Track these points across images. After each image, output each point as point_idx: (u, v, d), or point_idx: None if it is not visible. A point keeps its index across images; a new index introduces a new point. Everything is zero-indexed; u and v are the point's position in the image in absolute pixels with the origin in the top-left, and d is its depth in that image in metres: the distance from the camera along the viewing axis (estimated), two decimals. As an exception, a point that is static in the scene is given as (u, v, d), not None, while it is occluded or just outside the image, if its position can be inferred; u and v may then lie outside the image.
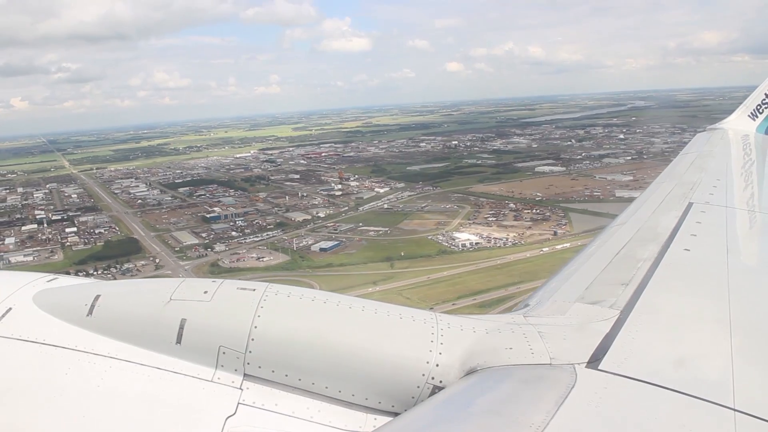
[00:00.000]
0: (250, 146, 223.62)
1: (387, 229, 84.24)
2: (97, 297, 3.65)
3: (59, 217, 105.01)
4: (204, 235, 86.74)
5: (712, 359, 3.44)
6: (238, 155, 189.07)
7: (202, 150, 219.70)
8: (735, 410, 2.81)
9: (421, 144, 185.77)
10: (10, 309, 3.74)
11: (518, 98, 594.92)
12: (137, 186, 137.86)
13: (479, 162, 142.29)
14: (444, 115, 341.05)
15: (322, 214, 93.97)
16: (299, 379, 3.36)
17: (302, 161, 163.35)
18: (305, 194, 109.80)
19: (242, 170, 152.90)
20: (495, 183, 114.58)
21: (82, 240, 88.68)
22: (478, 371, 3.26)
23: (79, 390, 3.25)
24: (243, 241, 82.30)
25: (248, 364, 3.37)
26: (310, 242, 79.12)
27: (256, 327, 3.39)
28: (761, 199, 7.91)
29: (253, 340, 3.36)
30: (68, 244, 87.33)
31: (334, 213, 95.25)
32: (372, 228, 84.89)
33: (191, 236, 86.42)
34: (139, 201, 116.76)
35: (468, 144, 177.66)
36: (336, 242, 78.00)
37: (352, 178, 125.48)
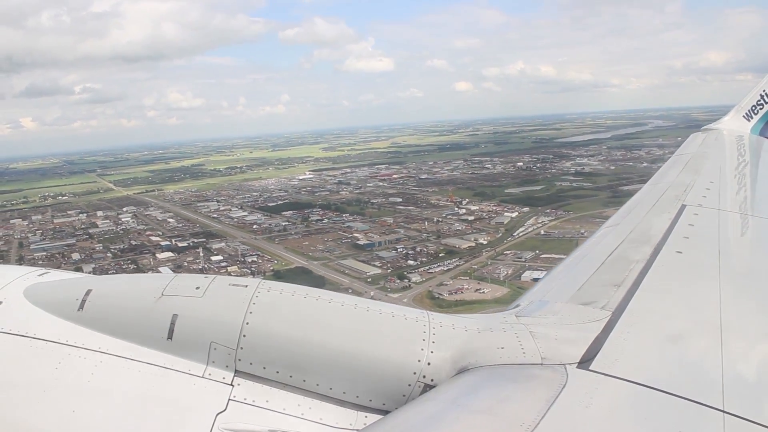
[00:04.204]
0: (295, 167, 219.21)
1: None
2: (89, 292, 3.62)
3: (185, 244, 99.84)
4: (377, 263, 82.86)
5: (703, 361, 3.45)
6: (300, 177, 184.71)
7: (246, 171, 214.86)
8: (725, 412, 2.83)
9: (486, 165, 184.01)
10: (1, 303, 3.69)
11: (527, 117, 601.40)
12: (229, 209, 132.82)
13: (574, 185, 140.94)
14: (467, 134, 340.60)
15: (483, 241, 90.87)
16: (290, 376, 3.35)
17: (379, 183, 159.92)
18: (439, 219, 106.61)
19: (326, 192, 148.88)
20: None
21: (242, 269, 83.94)
22: (470, 370, 3.26)
23: (69, 385, 3.25)
24: (429, 271, 78.61)
25: (239, 360, 3.36)
26: (509, 271, 75.92)
27: (247, 323, 3.37)
28: (754, 202, 7.84)
29: (244, 336, 3.35)
30: (231, 273, 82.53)
31: (493, 240, 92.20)
32: (554, 255, 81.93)
33: (363, 264, 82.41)
34: (255, 226, 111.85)
35: (539, 165, 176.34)
36: (544, 271, 74.85)
37: (463, 202, 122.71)
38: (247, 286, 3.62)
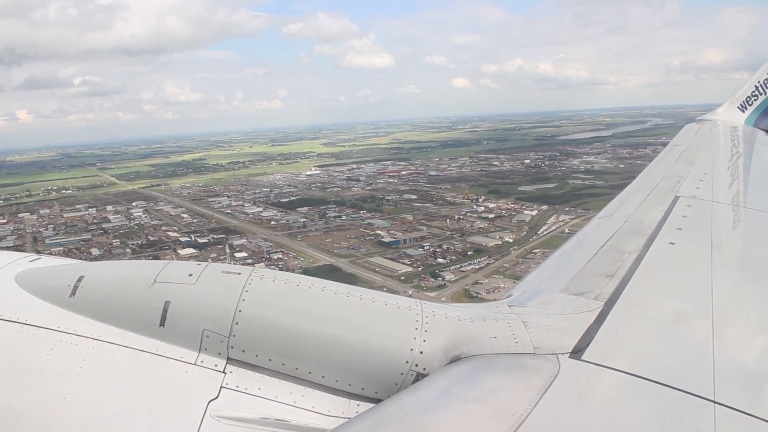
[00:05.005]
0: (299, 163, 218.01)
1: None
2: (81, 278, 3.62)
3: (206, 240, 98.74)
4: (406, 261, 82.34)
5: (694, 352, 3.49)
6: (307, 172, 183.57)
7: (249, 166, 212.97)
8: (715, 402, 2.87)
9: (494, 163, 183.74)
10: None
11: (524, 113, 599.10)
12: (241, 204, 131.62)
13: (587, 182, 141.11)
14: (467, 131, 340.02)
15: (509, 239, 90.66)
16: (283, 364, 3.36)
17: (389, 179, 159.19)
18: (460, 217, 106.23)
19: (338, 188, 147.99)
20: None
21: (269, 267, 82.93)
22: (462, 359, 3.29)
23: (60, 371, 3.24)
24: (461, 269, 78.22)
25: (232, 347, 3.36)
26: (542, 270, 75.64)
27: (240, 311, 3.37)
28: (747, 194, 7.86)
29: (237, 323, 3.35)
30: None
31: (518, 238, 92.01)
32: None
33: (392, 262, 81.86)
34: (272, 222, 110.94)
35: (547, 163, 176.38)
36: (580, 271, 74.70)
37: (480, 200, 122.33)
38: (240, 273, 3.59)
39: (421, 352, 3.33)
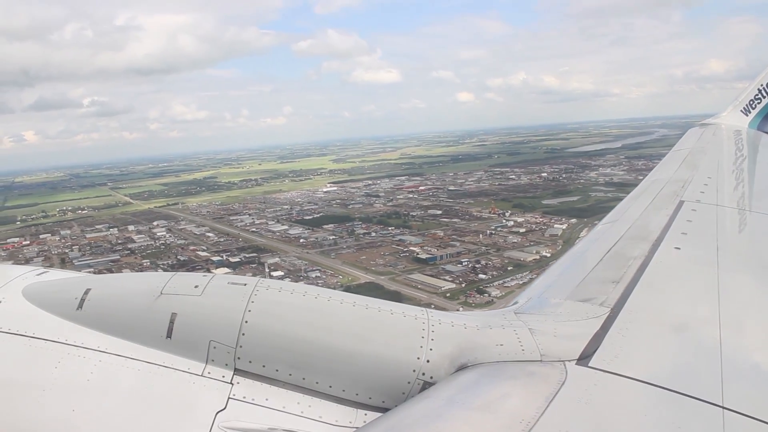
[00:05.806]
0: (312, 179, 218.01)
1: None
2: (88, 291, 3.63)
3: (238, 259, 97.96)
4: (447, 278, 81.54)
5: (702, 357, 3.47)
6: (324, 189, 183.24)
7: (262, 184, 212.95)
8: (723, 408, 2.86)
9: (510, 176, 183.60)
10: None
11: (528, 126, 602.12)
12: (264, 222, 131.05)
13: (609, 195, 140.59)
14: (474, 145, 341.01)
15: (546, 254, 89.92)
16: (290, 374, 3.37)
17: (409, 195, 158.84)
18: (492, 232, 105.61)
19: (359, 205, 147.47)
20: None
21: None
22: (469, 367, 3.29)
23: (68, 384, 3.26)
24: (505, 285, 77.35)
25: (239, 358, 3.37)
26: (589, 285, 74.93)
27: (246, 322, 3.39)
28: (752, 197, 7.76)
29: (243, 334, 3.37)
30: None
31: (555, 252, 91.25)
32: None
33: (433, 279, 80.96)
34: (301, 240, 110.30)
35: (564, 176, 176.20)
36: (628, 285, 74.09)
37: (507, 214, 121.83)
38: (246, 284, 3.60)
39: (428, 361, 3.33)
